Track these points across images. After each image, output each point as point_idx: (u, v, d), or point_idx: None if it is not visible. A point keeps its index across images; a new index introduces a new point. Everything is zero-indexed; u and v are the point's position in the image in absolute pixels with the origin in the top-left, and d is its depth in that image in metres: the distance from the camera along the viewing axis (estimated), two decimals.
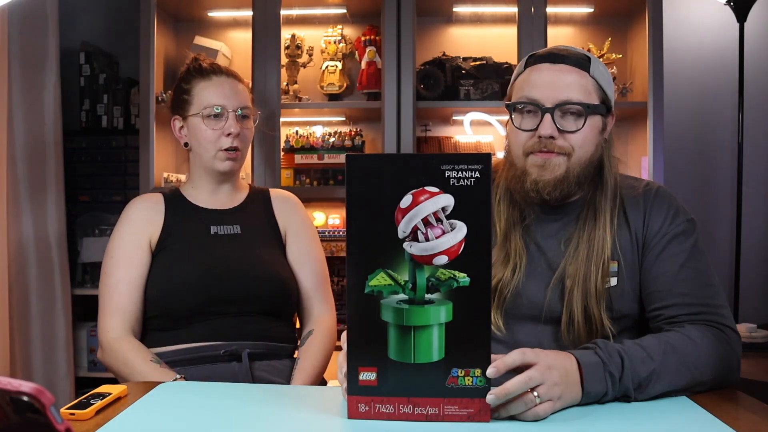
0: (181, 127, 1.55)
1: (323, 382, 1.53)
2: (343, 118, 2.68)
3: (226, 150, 1.50)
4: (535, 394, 0.92)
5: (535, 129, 1.18)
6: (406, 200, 0.91)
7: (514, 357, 0.94)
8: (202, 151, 1.51)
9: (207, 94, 1.50)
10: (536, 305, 1.21)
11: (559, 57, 1.20)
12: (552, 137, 1.17)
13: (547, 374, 0.93)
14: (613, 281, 1.20)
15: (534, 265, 1.23)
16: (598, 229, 1.20)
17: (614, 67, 2.52)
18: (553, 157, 1.18)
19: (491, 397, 0.91)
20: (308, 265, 1.57)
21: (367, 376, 0.94)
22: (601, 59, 2.46)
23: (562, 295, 1.20)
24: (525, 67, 1.24)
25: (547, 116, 1.17)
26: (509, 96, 1.26)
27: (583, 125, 1.17)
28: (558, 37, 2.62)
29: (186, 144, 1.55)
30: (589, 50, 2.50)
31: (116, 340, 1.39)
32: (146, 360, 1.35)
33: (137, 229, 1.48)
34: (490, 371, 0.91)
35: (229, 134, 1.48)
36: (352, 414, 0.94)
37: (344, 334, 0.97)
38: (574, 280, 1.18)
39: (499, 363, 0.92)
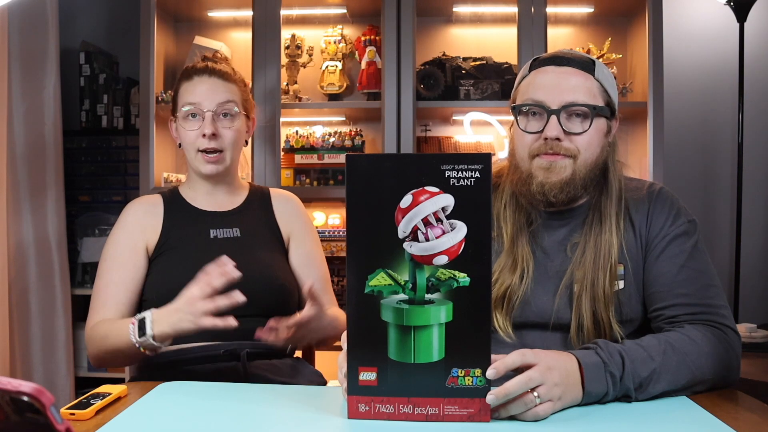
0: (176, 127, 1.55)
1: (322, 382, 1.53)
2: (343, 118, 2.68)
3: (204, 152, 1.48)
4: (535, 394, 0.92)
5: (541, 131, 1.18)
6: (406, 200, 0.91)
7: (514, 358, 0.94)
8: (186, 152, 1.52)
9: (185, 93, 1.50)
10: (545, 312, 1.20)
11: (564, 60, 1.20)
12: (558, 139, 1.16)
13: (547, 375, 0.93)
14: (621, 284, 1.20)
15: (541, 272, 1.23)
16: (605, 233, 1.19)
17: (614, 67, 2.52)
18: (559, 160, 1.17)
19: (491, 397, 0.91)
20: (313, 269, 1.57)
21: (367, 376, 0.94)
22: (601, 59, 2.46)
23: (570, 301, 1.19)
24: (530, 70, 1.24)
25: (553, 118, 1.16)
26: (513, 99, 1.26)
27: (589, 127, 1.17)
28: (558, 37, 2.63)
29: (180, 144, 1.55)
30: (589, 51, 2.50)
31: (93, 327, 1.39)
32: (116, 321, 1.35)
33: (133, 233, 1.48)
34: (490, 372, 0.91)
35: (204, 134, 1.46)
36: (352, 414, 0.94)
37: (344, 334, 0.97)
38: (582, 285, 1.18)
39: (498, 364, 0.92)
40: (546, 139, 1.17)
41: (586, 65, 1.20)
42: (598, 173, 1.22)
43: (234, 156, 1.53)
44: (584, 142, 1.18)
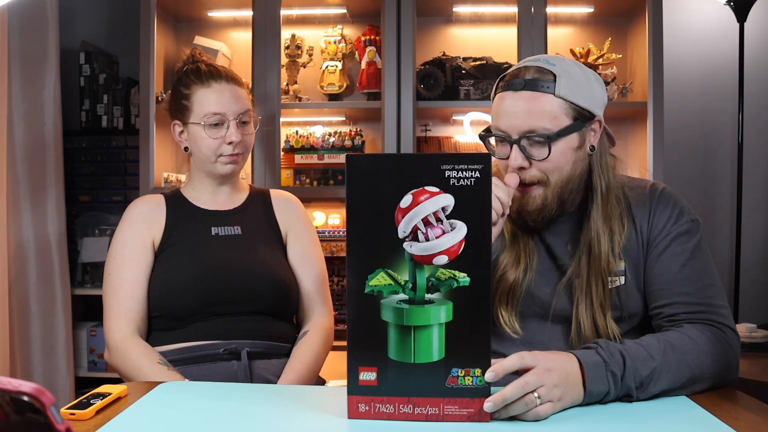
0: (181, 131, 1.55)
1: (321, 382, 1.53)
2: (343, 118, 2.68)
3: (228, 155, 1.50)
4: (536, 395, 0.92)
5: (507, 158, 1.19)
6: (406, 200, 0.91)
7: (513, 361, 0.94)
8: (204, 158, 1.51)
9: (207, 102, 1.49)
10: (545, 303, 1.22)
11: (519, 83, 1.16)
12: (523, 168, 1.17)
13: (545, 377, 0.93)
14: (622, 280, 1.20)
15: (544, 266, 1.24)
16: (594, 240, 1.19)
17: (614, 67, 2.51)
18: (531, 190, 1.19)
19: (488, 404, 0.91)
20: (309, 268, 1.57)
21: (367, 375, 0.94)
22: (601, 59, 2.47)
23: (569, 296, 1.21)
24: (495, 92, 1.23)
25: (515, 148, 1.17)
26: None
27: (548, 153, 1.16)
28: (558, 37, 2.62)
29: (186, 149, 1.55)
30: (588, 51, 2.50)
31: (122, 341, 1.39)
32: (153, 362, 1.35)
33: (139, 230, 1.48)
34: (489, 375, 0.91)
35: (230, 142, 1.48)
36: (352, 414, 0.94)
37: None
38: (580, 291, 1.19)
39: (497, 367, 0.92)
40: (511, 166, 1.18)
41: (544, 84, 1.16)
42: (578, 183, 1.21)
43: (247, 158, 1.56)
44: (551, 166, 1.17)
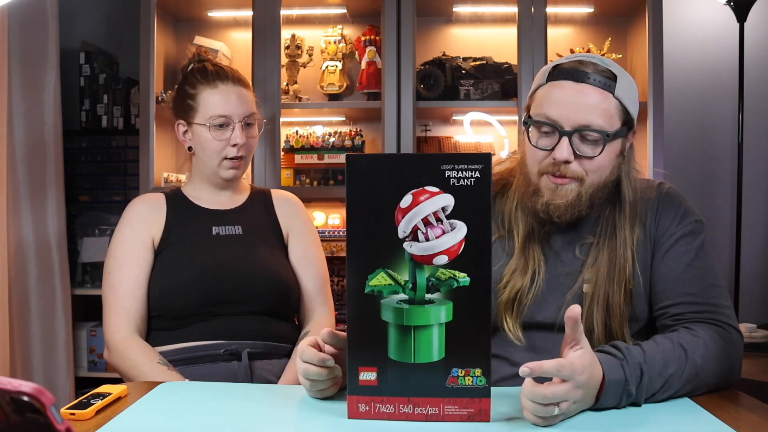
0: (185, 131, 1.54)
1: None
2: (343, 118, 2.68)
3: (231, 159, 1.50)
4: (558, 408, 0.90)
5: (551, 149, 1.14)
6: (406, 200, 0.91)
7: (551, 368, 0.90)
8: (207, 159, 1.51)
9: (213, 103, 1.49)
10: (552, 313, 1.19)
11: (584, 75, 1.13)
12: (567, 161, 1.13)
13: (572, 394, 0.91)
14: (631, 282, 1.19)
15: (551, 273, 1.21)
16: (619, 247, 1.17)
17: None
18: (566, 183, 1.15)
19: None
20: (310, 268, 1.57)
21: (367, 375, 0.94)
22: None
23: (580, 303, 1.18)
24: (547, 80, 1.17)
25: (565, 140, 1.12)
26: (528, 106, 1.22)
27: (600, 152, 1.13)
28: (558, 37, 2.62)
29: (190, 148, 1.55)
30: (588, 51, 2.50)
31: (122, 341, 1.39)
32: (153, 362, 1.35)
33: (139, 229, 1.48)
34: (524, 370, 0.88)
35: (234, 144, 1.48)
36: (352, 414, 0.94)
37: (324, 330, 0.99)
38: (595, 297, 1.16)
39: (535, 366, 0.89)
40: (555, 159, 1.14)
41: (607, 82, 1.13)
42: (608, 189, 1.19)
43: (249, 161, 1.57)
44: (594, 166, 1.14)
